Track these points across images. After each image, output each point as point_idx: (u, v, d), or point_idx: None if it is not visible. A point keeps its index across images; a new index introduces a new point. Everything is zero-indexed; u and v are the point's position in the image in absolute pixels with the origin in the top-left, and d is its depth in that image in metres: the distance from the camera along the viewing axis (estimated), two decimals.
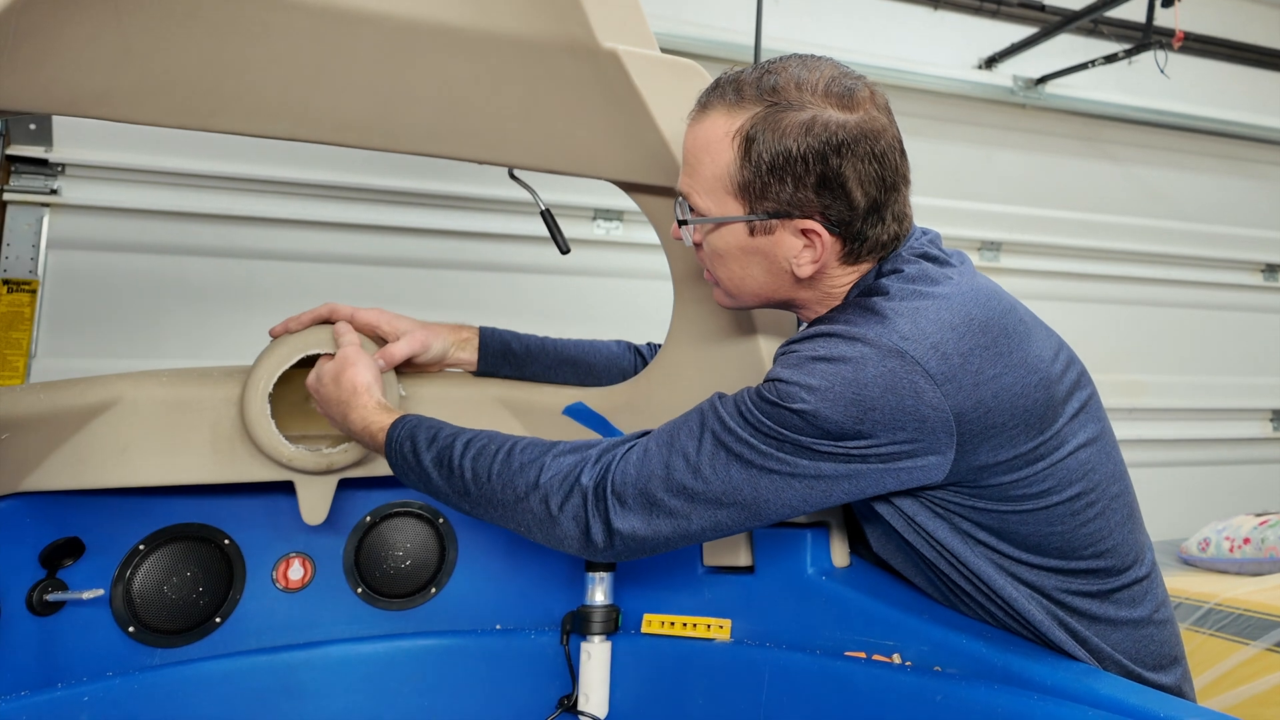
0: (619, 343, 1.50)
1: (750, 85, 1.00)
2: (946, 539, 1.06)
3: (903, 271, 1.03)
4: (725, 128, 1.00)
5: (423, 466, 1.09)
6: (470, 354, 1.40)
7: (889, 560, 1.22)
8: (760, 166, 0.98)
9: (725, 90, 1.02)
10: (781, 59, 1.03)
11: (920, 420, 0.93)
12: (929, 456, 0.96)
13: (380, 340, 1.33)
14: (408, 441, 1.10)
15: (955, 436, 0.95)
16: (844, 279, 1.07)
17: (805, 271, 1.04)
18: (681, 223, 1.07)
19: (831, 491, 0.97)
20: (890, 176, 1.01)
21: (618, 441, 1.06)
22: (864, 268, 1.06)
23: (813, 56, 1.03)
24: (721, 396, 1.02)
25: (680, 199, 1.07)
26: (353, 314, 1.31)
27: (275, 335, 1.29)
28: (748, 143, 0.98)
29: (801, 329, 1.09)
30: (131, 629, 1.24)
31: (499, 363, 1.41)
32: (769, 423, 0.95)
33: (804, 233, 1.01)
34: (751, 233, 1.03)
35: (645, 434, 1.06)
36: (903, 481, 0.98)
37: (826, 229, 1.00)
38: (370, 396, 1.17)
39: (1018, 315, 1.03)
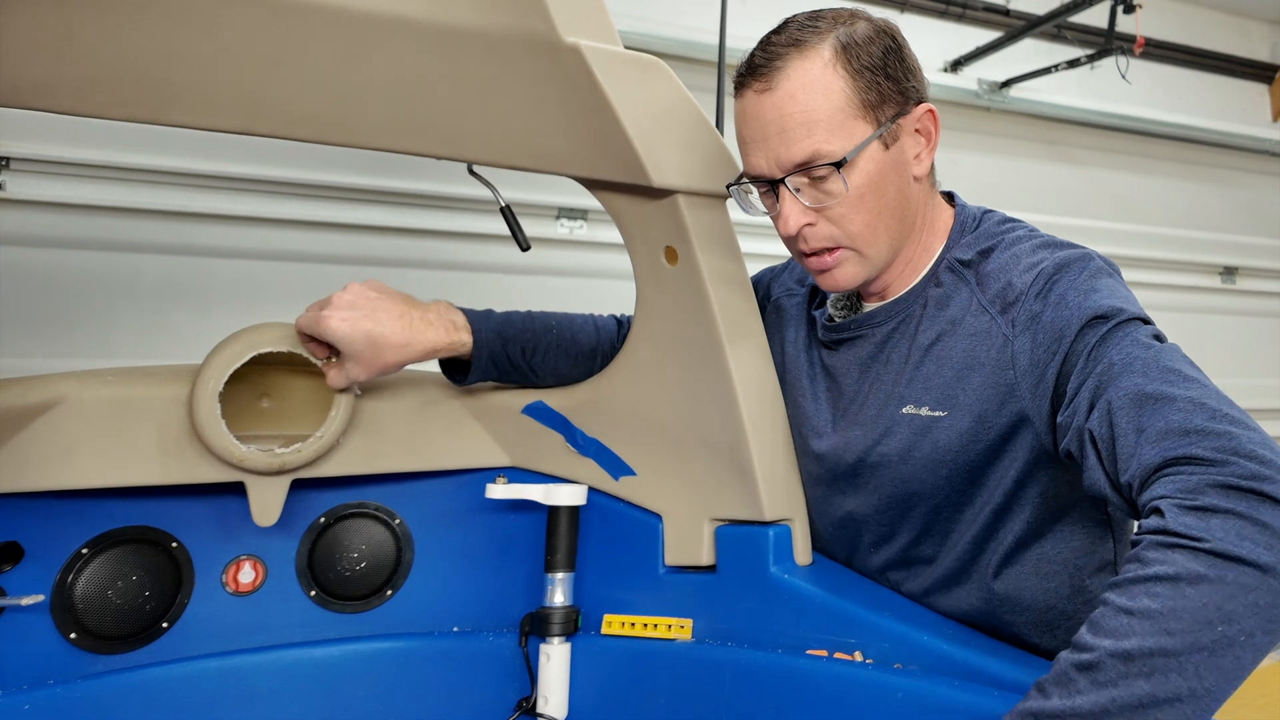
0: (598, 328, 1.42)
1: (801, 27, 1.05)
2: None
3: (1012, 221, 1.17)
4: (818, 62, 1.03)
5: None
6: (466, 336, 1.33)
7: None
8: (869, 74, 1.03)
9: (785, 43, 1.04)
10: (787, 18, 1.09)
11: None
12: None
13: None
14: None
15: None
16: (926, 188, 1.15)
17: (924, 167, 1.10)
18: (837, 165, 1.02)
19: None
20: None
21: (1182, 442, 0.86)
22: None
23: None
24: (1104, 375, 0.97)
25: (798, 170, 1.04)
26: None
27: None
28: (848, 60, 1.03)
29: (981, 291, 1.09)
30: (73, 635, 1.20)
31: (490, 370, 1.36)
32: (1141, 337, 1.02)
33: (917, 127, 1.08)
34: (886, 146, 1.06)
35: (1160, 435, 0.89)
36: None
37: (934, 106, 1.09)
38: None
39: None
